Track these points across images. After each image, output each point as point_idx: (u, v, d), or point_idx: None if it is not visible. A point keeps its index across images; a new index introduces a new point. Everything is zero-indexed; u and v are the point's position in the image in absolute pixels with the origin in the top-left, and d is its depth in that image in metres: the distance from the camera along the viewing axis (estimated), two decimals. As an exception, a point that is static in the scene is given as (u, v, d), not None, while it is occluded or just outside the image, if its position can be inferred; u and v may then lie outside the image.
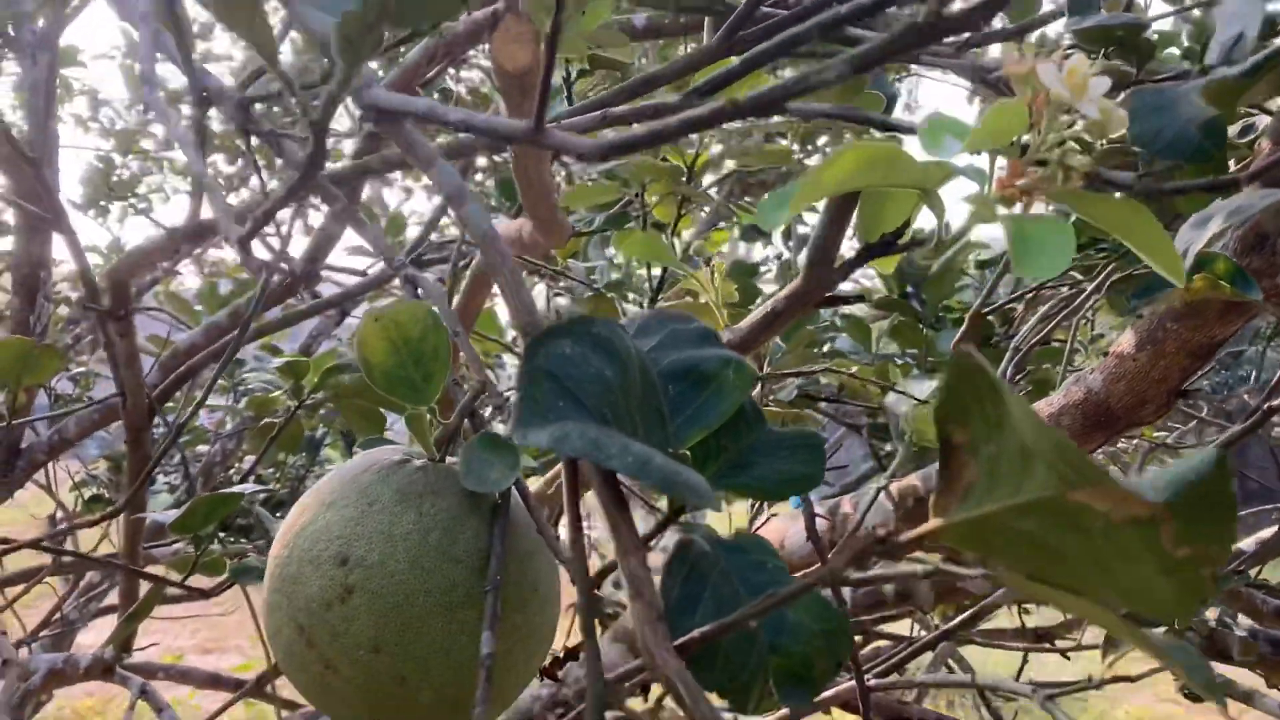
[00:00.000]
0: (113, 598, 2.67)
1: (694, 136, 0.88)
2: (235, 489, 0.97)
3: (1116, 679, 0.86)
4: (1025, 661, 2.15)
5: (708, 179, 1.54)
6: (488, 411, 0.67)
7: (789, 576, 0.40)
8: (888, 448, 1.80)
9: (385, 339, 0.56)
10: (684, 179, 0.89)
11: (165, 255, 0.72)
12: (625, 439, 0.37)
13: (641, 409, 0.40)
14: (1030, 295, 1.63)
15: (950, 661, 2.30)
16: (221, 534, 3.04)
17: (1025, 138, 0.42)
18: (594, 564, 0.46)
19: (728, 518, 2.11)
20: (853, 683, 1.10)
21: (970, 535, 0.30)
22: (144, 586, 1.37)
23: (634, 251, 0.86)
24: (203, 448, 2.71)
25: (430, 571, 0.52)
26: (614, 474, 0.38)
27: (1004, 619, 3.05)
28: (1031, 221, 0.40)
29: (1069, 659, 2.28)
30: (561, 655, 0.62)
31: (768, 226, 0.42)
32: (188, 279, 3.69)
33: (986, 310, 1.52)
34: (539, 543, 0.58)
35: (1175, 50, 0.89)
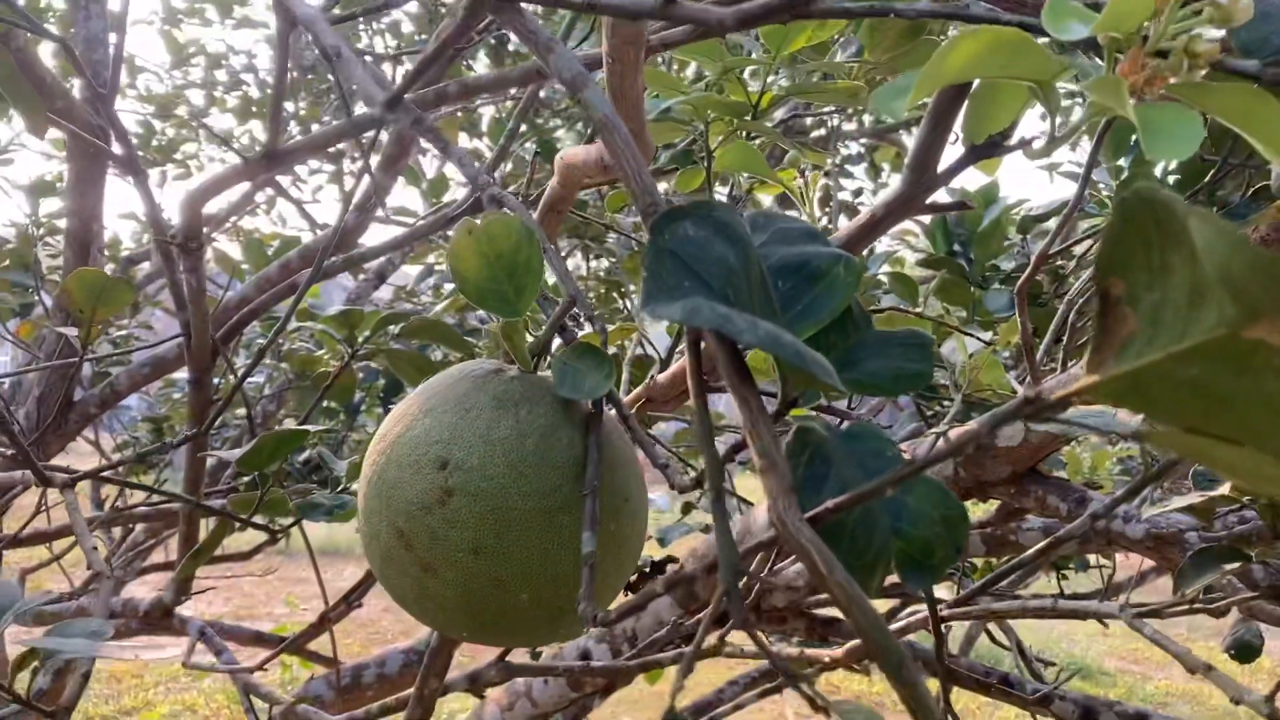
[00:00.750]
0: (155, 556, 2.70)
1: (760, 70, 0.87)
2: (300, 427, 0.98)
3: (1203, 609, 0.85)
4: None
5: (778, 114, 1.53)
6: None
7: (907, 463, 0.40)
8: (932, 411, 1.80)
9: (478, 252, 0.56)
10: (749, 116, 0.88)
11: (240, 181, 0.72)
12: (753, 316, 0.37)
13: (756, 299, 0.41)
14: (1083, 249, 1.62)
15: (990, 627, 2.30)
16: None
17: (1147, 27, 0.42)
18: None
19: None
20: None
21: (1127, 389, 0.30)
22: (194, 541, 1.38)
23: (730, 162, 0.85)
24: (223, 452, 2.73)
25: (528, 476, 0.52)
26: (739, 352, 0.38)
27: (1040, 586, 3.04)
28: (1158, 109, 0.40)
29: (1105, 625, 2.28)
30: (647, 569, 0.62)
31: (885, 114, 0.42)
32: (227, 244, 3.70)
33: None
34: (629, 455, 0.58)
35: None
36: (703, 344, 0.39)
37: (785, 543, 0.34)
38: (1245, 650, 1.87)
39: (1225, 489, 0.76)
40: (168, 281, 0.96)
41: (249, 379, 3.17)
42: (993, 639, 2.39)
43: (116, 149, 0.95)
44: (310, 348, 2.44)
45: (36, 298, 2.30)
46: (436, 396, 0.56)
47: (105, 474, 0.90)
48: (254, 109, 3.68)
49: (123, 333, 3.21)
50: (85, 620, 0.53)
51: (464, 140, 3.65)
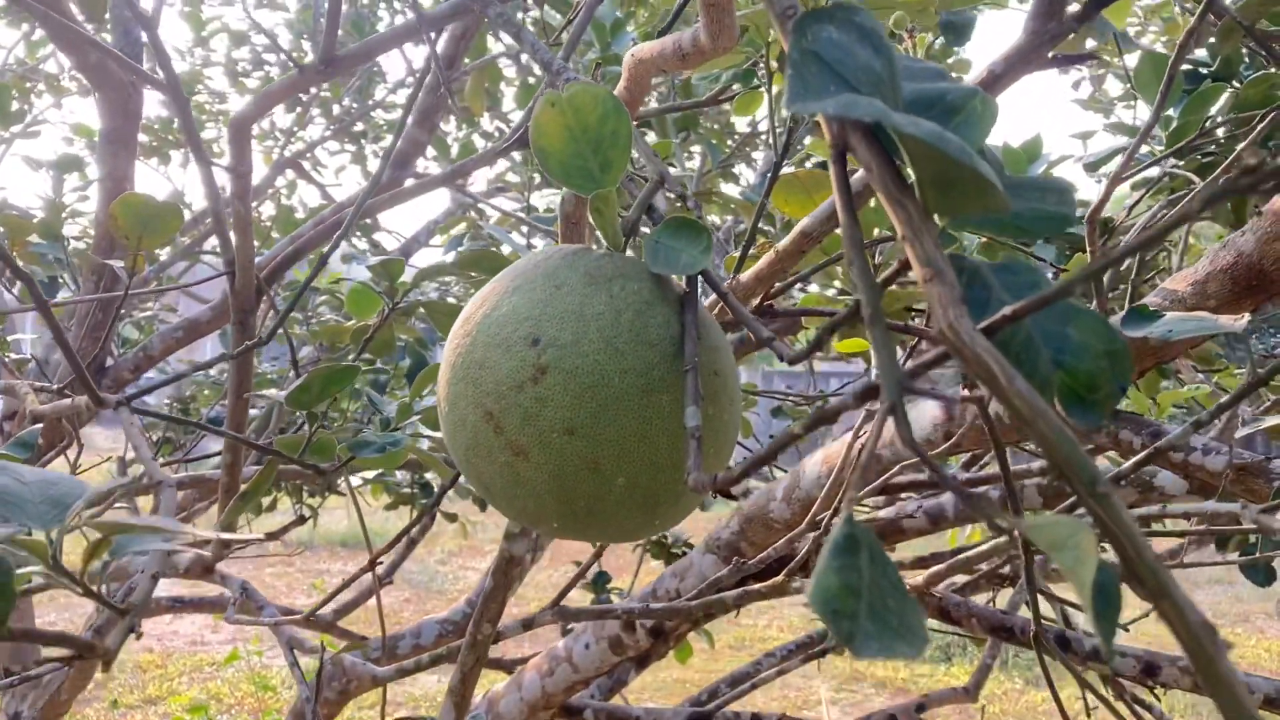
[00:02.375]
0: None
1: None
2: (350, 363, 0.95)
3: None
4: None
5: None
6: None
7: (1073, 302, 0.37)
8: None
9: (562, 125, 0.53)
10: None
11: (292, 93, 0.69)
12: (911, 116, 0.33)
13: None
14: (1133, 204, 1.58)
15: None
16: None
17: None
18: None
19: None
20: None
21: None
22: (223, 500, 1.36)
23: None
24: (270, 391, 2.71)
25: (624, 353, 0.49)
26: (891, 159, 0.35)
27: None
28: None
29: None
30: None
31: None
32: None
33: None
34: (723, 341, 0.55)
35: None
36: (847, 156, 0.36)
37: (957, 354, 0.31)
38: (1259, 572, 1.83)
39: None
40: (211, 215, 0.93)
41: (279, 359, 3.15)
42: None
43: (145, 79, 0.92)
44: (339, 319, 2.41)
45: (63, 278, 2.28)
46: (523, 276, 0.53)
47: (159, 413, 0.87)
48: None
49: (147, 314, 3.19)
50: (155, 518, 0.50)
51: (485, 122, 3.62)
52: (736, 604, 0.96)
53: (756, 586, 0.93)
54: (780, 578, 0.92)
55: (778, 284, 0.79)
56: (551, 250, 0.54)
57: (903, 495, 1.46)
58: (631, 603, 1.58)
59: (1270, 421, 0.78)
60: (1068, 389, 0.36)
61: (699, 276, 0.52)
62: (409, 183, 1.36)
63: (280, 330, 1.65)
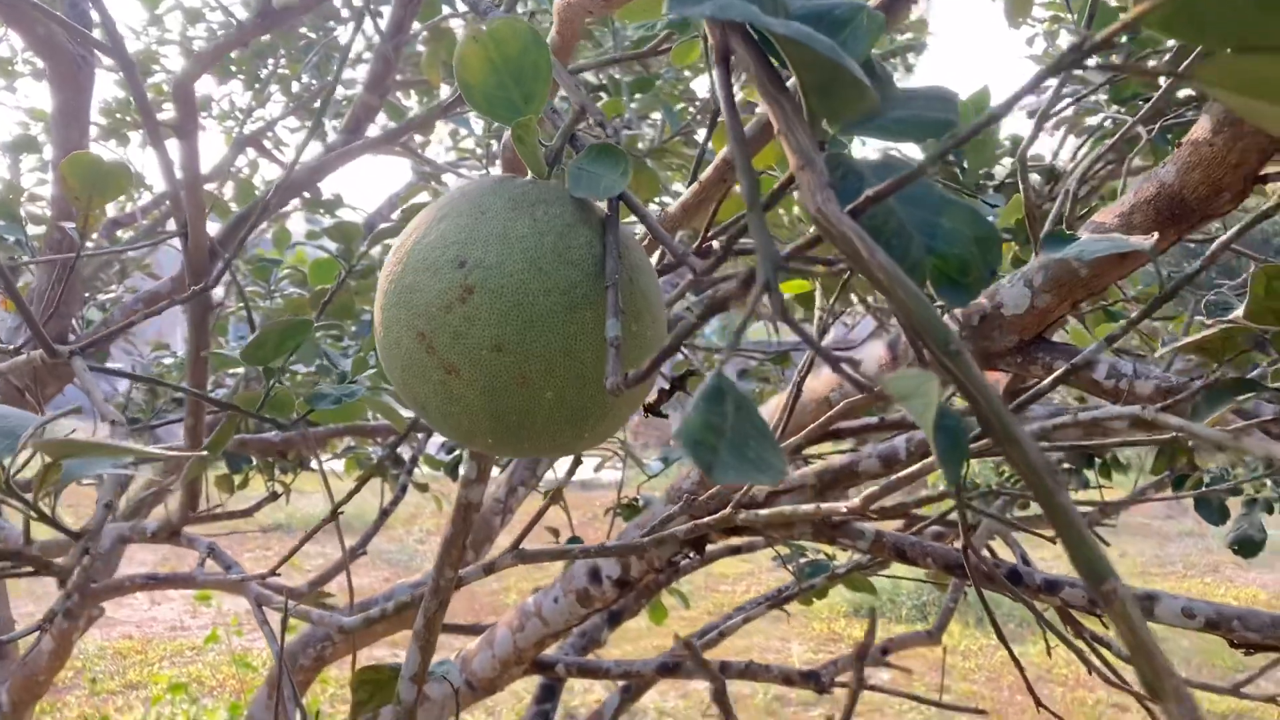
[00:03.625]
0: (155, 514, 2.69)
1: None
2: (304, 317, 0.97)
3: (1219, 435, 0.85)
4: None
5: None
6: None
7: (944, 193, 0.40)
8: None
9: (485, 59, 0.55)
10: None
11: (236, 46, 0.70)
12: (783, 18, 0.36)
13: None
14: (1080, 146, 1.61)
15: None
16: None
17: None
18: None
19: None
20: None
21: (1177, 10, 0.29)
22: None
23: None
24: (238, 371, 2.71)
25: (548, 272, 0.52)
26: (769, 61, 0.37)
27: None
28: None
29: (1108, 545, 2.28)
30: (667, 387, 0.62)
31: None
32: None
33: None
34: (647, 264, 0.57)
35: None
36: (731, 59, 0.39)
37: (826, 234, 0.34)
38: (1248, 545, 1.88)
39: (1239, 312, 0.75)
40: (163, 176, 0.94)
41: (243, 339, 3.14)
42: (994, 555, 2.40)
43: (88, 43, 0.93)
44: (301, 293, 2.42)
45: (25, 255, 2.28)
46: (450, 204, 0.55)
47: (115, 369, 0.89)
48: (233, 68, 3.64)
49: (110, 295, 3.18)
50: (106, 444, 0.53)
51: (445, 92, 3.62)
52: (686, 537, 0.99)
53: (705, 520, 0.96)
54: (728, 510, 0.95)
55: (720, 229, 0.82)
56: (477, 180, 0.57)
57: (857, 438, 1.50)
58: (581, 577, 1.61)
59: (1186, 340, 0.82)
60: (940, 273, 0.39)
61: (619, 200, 0.55)
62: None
63: (243, 304, 1.66)
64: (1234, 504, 1.97)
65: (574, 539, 2.48)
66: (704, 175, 0.65)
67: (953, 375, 0.33)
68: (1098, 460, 2.44)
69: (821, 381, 1.31)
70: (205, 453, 0.97)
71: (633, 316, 0.54)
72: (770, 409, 1.38)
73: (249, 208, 1.26)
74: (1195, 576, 7.95)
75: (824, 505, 0.89)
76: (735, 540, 2.08)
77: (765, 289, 0.34)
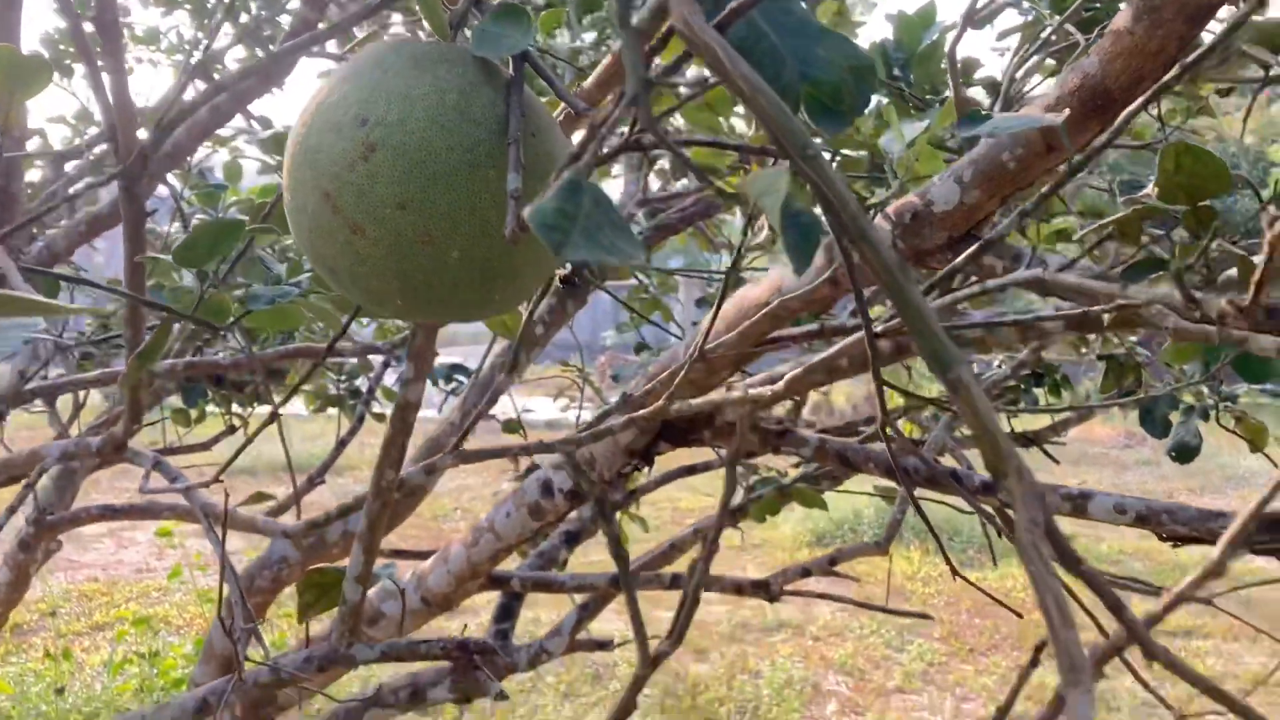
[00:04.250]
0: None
1: None
2: (238, 218, 0.97)
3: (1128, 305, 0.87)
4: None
5: None
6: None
7: (823, 25, 0.41)
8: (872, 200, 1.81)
9: (388, -78, 0.55)
10: None
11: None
12: None
13: None
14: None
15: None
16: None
17: None
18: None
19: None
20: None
21: None
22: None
23: None
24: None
25: (450, 130, 0.52)
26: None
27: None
28: None
29: (1058, 462, 2.34)
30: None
31: None
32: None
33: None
34: (554, 128, 0.58)
35: None
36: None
37: (690, 44, 0.35)
38: (1185, 451, 1.93)
39: (1150, 189, 0.77)
40: (89, 78, 0.93)
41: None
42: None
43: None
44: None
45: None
46: (354, 67, 0.55)
47: (43, 270, 0.89)
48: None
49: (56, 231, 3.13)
50: (16, 297, 0.53)
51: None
52: (621, 430, 1.01)
53: (640, 412, 0.98)
54: (660, 402, 0.97)
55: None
56: (381, 42, 0.57)
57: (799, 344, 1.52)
58: (533, 490, 1.63)
59: (1102, 222, 0.83)
60: (814, 100, 0.40)
61: (523, 60, 0.55)
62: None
63: (183, 227, 1.64)
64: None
65: (534, 468, 2.50)
66: (616, 47, 0.65)
67: (810, 179, 0.34)
68: (1047, 380, 2.48)
69: (762, 288, 1.33)
70: (140, 358, 0.97)
71: (536, 175, 0.55)
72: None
73: (179, 110, 1.24)
74: (1150, 502, 8.11)
75: (752, 390, 0.91)
76: (690, 461, 2.11)
77: (634, 103, 0.35)
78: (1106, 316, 0.85)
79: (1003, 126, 0.72)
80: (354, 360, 2.89)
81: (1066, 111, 0.67)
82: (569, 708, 3.92)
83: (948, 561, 1.38)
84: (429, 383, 2.67)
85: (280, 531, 1.11)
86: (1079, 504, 1.36)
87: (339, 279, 0.56)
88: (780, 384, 0.87)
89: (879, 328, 0.88)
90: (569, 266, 0.70)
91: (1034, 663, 0.50)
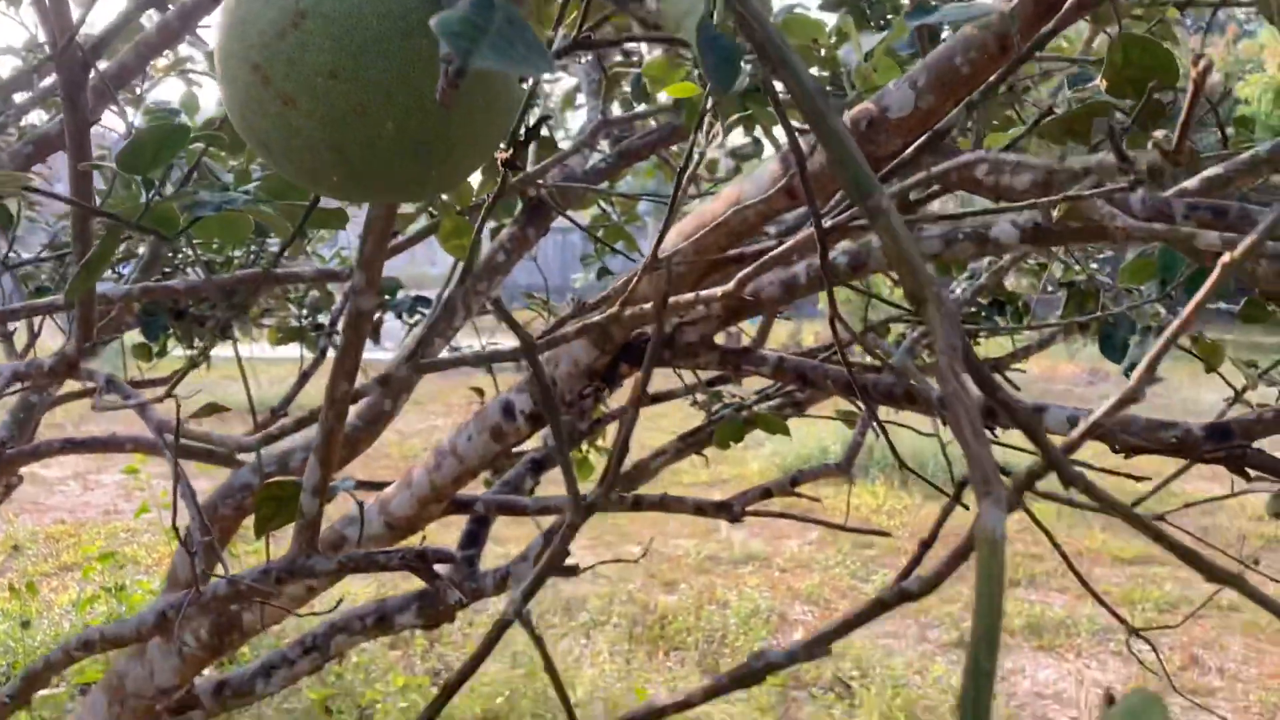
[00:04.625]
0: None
1: None
2: (184, 121, 0.95)
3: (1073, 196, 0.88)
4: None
5: None
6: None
7: None
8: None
9: None
10: None
11: None
12: None
13: None
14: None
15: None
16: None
17: None
18: None
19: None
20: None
21: None
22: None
23: None
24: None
25: (382, -3, 0.51)
26: None
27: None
28: None
29: (1019, 389, 2.36)
30: (522, 136, 0.62)
31: None
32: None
33: None
34: None
35: None
36: None
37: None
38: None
39: (1099, 83, 0.77)
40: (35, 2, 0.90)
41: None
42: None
43: None
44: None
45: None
46: (284, -65, 0.54)
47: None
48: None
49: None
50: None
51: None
52: (576, 335, 1.00)
53: (595, 317, 0.98)
54: (615, 308, 0.97)
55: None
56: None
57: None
58: (494, 414, 1.63)
59: (1052, 118, 0.83)
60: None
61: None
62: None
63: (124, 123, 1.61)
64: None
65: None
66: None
67: (733, 8, 0.33)
68: (1009, 308, 2.50)
69: (721, 201, 1.32)
70: (87, 269, 0.96)
71: (474, 49, 0.54)
72: (673, 231, 1.38)
73: (122, 16, 1.21)
74: (1111, 436, 8.24)
75: (703, 293, 0.91)
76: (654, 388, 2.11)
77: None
78: (1055, 213, 0.86)
79: (952, 15, 0.71)
80: (315, 292, 2.87)
81: (1014, 2, 0.66)
82: (539, 639, 3.96)
83: (906, 466, 1.40)
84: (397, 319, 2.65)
85: (236, 445, 1.10)
86: (1035, 418, 1.38)
87: (273, 155, 0.55)
88: (731, 283, 0.87)
89: (828, 223, 0.88)
90: (510, 149, 0.69)
91: (956, 498, 0.51)
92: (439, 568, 1.36)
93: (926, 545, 0.63)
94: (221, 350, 2.71)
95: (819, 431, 6.37)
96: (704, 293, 0.91)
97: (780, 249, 0.88)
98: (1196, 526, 5.54)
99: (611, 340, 1.54)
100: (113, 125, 1.96)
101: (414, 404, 9.68)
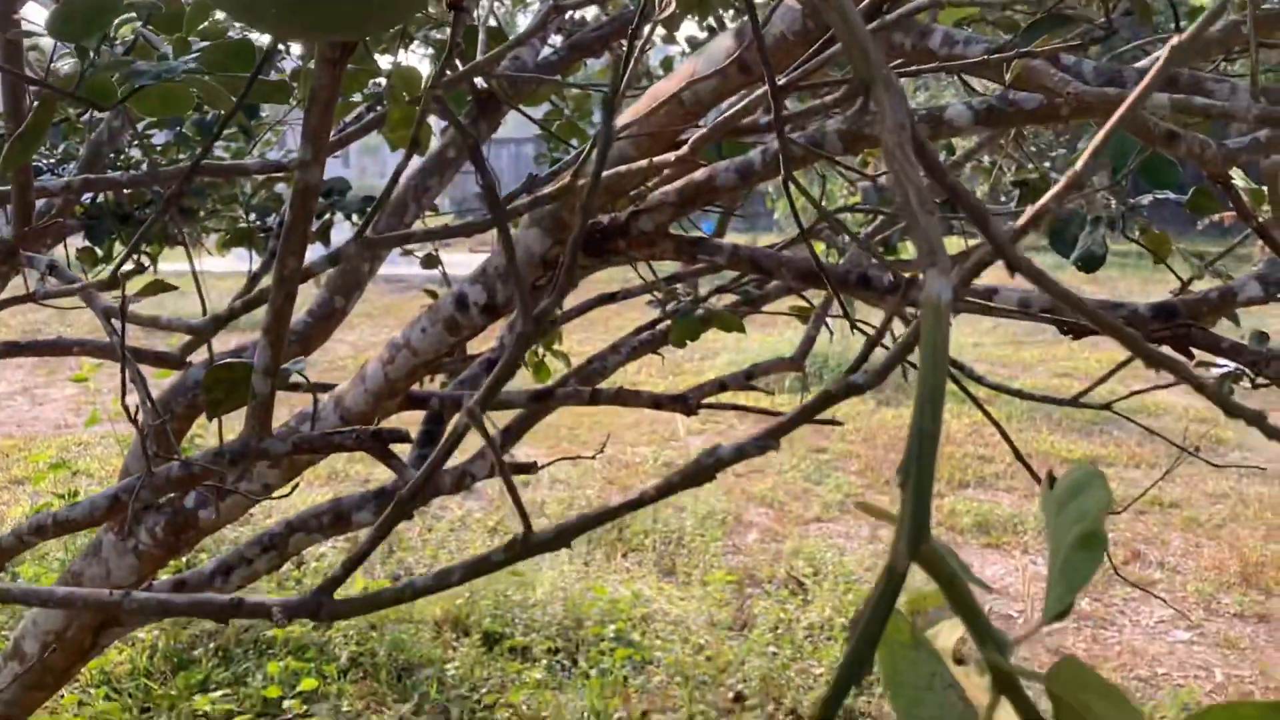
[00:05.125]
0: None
1: None
2: (113, -12, 0.91)
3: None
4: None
5: None
6: None
7: None
8: None
9: None
10: None
11: None
12: None
13: None
14: None
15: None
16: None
17: None
18: None
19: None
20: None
21: None
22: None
23: None
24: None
25: None
26: None
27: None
28: None
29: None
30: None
31: None
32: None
33: None
34: None
35: None
36: None
37: None
38: (1090, 260, 1.98)
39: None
40: None
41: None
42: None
43: None
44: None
45: None
46: None
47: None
48: None
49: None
50: None
51: None
52: (526, 208, 0.99)
53: (545, 191, 0.96)
54: (567, 180, 0.95)
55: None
56: None
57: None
58: (449, 305, 1.62)
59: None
60: None
61: None
62: None
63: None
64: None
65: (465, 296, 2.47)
66: None
67: None
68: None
69: (674, 79, 1.30)
70: (21, 140, 0.92)
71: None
72: (626, 113, 1.37)
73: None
74: (1062, 343, 8.38)
75: (656, 159, 0.90)
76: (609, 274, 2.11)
77: None
78: (1008, 76, 0.85)
79: None
80: (263, 191, 2.81)
81: None
82: (498, 543, 4.01)
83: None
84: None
85: (185, 326, 1.08)
86: (986, 297, 1.39)
87: (208, -15, 0.53)
88: (685, 148, 0.86)
89: (783, 81, 0.87)
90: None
91: (905, 295, 0.51)
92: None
93: (874, 343, 0.64)
94: (171, 265, 2.65)
95: (775, 342, 6.42)
96: (657, 158, 0.90)
97: (734, 109, 0.87)
98: (1140, 429, 5.68)
99: (565, 228, 1.53)
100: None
101: (367, 316, 9.61)
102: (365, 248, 0.99)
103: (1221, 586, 3.90)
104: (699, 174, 1.50)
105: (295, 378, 1.11)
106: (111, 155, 2.83)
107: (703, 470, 0.44)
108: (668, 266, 1.87)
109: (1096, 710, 0.27)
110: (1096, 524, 0.31)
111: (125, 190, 2.85)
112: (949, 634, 0.37)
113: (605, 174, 0.95)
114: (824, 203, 2.24)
